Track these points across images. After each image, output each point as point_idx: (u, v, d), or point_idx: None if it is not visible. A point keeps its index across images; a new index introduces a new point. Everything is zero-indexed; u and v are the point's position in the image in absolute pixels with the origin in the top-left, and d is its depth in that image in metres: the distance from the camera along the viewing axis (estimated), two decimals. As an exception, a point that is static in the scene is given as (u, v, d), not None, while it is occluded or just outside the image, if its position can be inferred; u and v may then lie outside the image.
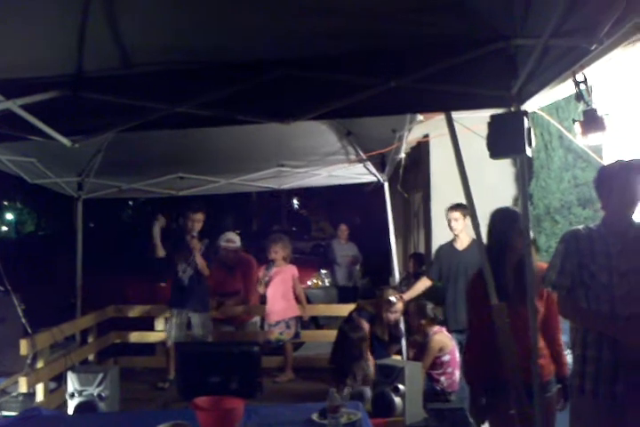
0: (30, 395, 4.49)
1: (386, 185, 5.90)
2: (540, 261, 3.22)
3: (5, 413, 4.25)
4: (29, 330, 4.25)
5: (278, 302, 5.92)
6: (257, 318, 6.55)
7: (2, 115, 2.66)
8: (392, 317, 5.06)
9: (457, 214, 5.12)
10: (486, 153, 2.65)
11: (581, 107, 3.44)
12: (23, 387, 4.32)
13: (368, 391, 4.35)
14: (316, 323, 8.04)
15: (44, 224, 20.73)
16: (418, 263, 7.44)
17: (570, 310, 2.88)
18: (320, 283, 8.79)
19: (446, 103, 2.75)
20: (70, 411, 3.81)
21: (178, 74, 2.70)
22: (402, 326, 5.32)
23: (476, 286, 3.15)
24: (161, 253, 5.58)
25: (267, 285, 5.99)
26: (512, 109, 2.60)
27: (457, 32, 2.39)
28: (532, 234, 3.03)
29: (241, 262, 6.19)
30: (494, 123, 2.61)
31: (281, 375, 5.85)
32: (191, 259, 5.53)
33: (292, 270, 6.04)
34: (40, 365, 4.60)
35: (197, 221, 5.54)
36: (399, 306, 5.05)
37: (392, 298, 5.01)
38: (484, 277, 2.96)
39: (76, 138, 2.96)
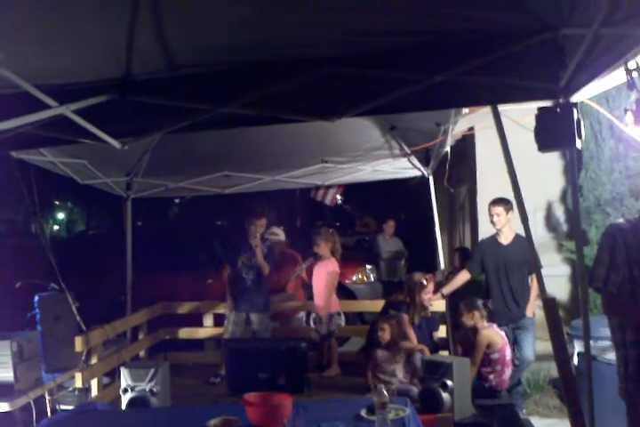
0: (85, 390, 4.61)
1: (431, 179, 5.83)
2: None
3: (63, 406, 4.38)
4: (83, 327, 4.36)
5: (315, 296, 5.84)
6: (302, 314, 6.58)
7: (55, 120, 2.73)
8: (426, 297, 5.06)
9: (499, 209, 5.03)
10: (533, 145, 2.59)
11: (633, 96, 3.33)
12: (78, 382, 4.43)
13: (414, 389, 4.34)
14: (361, 318, 8.02)
15: (94, 223, 21.23)
16: (463, 258, 7.33)
17: (620, 307, 2.78)
18: (365, 278, 8.74)
19: (492, 97, 2.68)
20: (123, 406, 3.91)
21: (221, 74, 2.72)
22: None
23: None
24: None
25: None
26: (560, 101, 2.53)
27: (503, 23, 2.33)
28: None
29: (285, 258, 6.22)
30: (542, 115, 2.54)
31: (327, 370, 5.86)
32: (254, 261, 5.61)
33: (329, 266, 5.70)
34: (94, 361, 4.71)
35: (260, 226, 5.65)
36: (431, 287, 5.08)
37: (423, 280, 5.03)
38: None
39: (125, 140, 3.02)
